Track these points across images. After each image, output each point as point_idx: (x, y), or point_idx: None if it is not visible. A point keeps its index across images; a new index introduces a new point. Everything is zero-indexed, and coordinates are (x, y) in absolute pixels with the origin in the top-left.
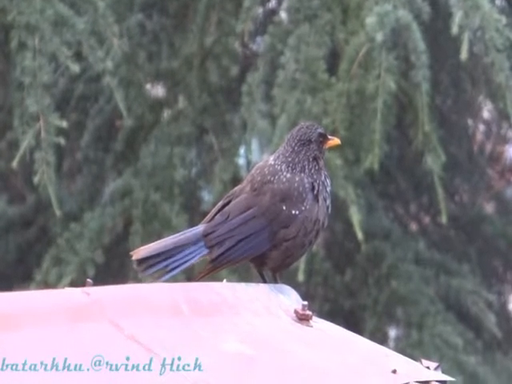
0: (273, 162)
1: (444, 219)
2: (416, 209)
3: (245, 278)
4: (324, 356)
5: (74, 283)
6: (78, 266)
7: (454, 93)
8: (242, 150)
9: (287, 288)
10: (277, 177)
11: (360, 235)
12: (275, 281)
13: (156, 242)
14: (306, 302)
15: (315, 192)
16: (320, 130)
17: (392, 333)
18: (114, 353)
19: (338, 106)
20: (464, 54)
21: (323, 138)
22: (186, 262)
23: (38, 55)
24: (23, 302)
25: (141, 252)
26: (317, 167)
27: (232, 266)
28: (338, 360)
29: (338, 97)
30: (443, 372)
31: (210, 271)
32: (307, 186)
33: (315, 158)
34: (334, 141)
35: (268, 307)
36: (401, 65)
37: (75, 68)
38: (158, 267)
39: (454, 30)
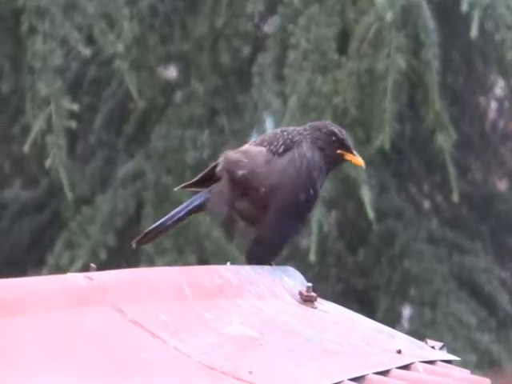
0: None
1: (455, 197)
2: (428, 187)
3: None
4: (328, 337)
5: (86, 267)
6: (90, 249)
7: (465, 71)
8: (254, 131)
9: (291, 270)
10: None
11: (371, 215)
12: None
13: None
14: (310, 284)
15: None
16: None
17: (405, 312)
18: (117, 338)
19: (348, 86)
20: (474, 32)
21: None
22: (180, 211)
23: (49, 39)
24: (26, 288)
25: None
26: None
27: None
28: (343, 341)
29: (348, 76)
30: (457, 350)
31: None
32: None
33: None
34: (357, 160)
35: (272, 289)
36: (411, 43)
37: (86, 52)
38: (153, 233)
39: (464, 7)
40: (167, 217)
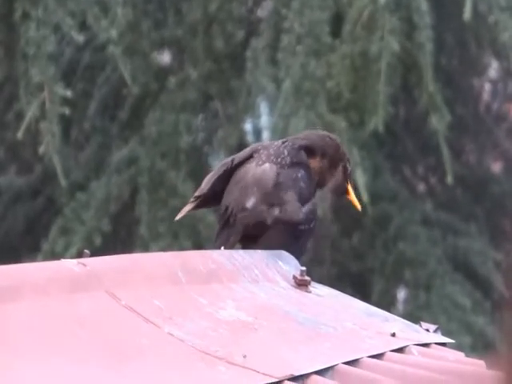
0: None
1: (449, 179)
2: (423, 170)
3: None
4: (322, 321)
5: (81, 253)
6: (85, 235)
7: (459, 53)
8: (248, 116)
9: (285, 254)
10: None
11: (365, 198)
12: None
13: None
14: (304, 268)
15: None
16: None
17: (400, 295)
18: (111, 323)
19: (341, 69)
20: (467, 14)
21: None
22: None
23: (42, 26)
24: (19, 274)
25: None
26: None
27: None
28: (337, 324)
29: (341, 59)
30: (452, 333)
31: None
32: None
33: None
34: (354, 201)
35: (266, 274)
36: (404, 26)
37: (79, 38)
38: None
39: None
40: None
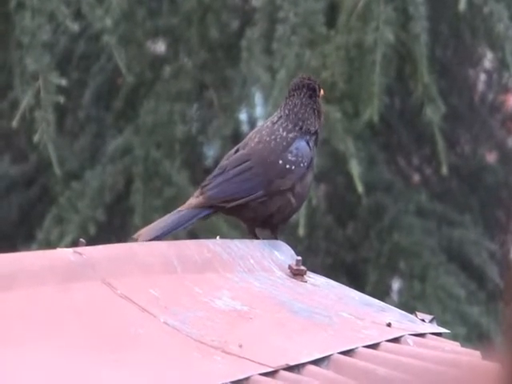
0: (270, 124)
1: (444, 170)
2: (418, 160)
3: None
4: (318, 310)
5: (76, 242)
6: (80, 224)
7: (454, 43)
8: (243, 106)
9: (281, 243)
10: (273, 137)
11: (360, 188)
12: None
13: (157, 221)
14: (299, 258)
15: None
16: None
17: (395, 285)
18: (106, 313)
19: (336, 59)
20: (462, 5)
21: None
22: (184, 221)
23: (37, 15)
24: (15, 263)
25: (144, 234)
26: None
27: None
28: (332, 314)
29: (336, 50)
30: (446, 323)
31: (200, 205)
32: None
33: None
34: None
35: (262, 263)
36: (399, 16)
37: (74, 27)
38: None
39: None
40: (172, 224)
